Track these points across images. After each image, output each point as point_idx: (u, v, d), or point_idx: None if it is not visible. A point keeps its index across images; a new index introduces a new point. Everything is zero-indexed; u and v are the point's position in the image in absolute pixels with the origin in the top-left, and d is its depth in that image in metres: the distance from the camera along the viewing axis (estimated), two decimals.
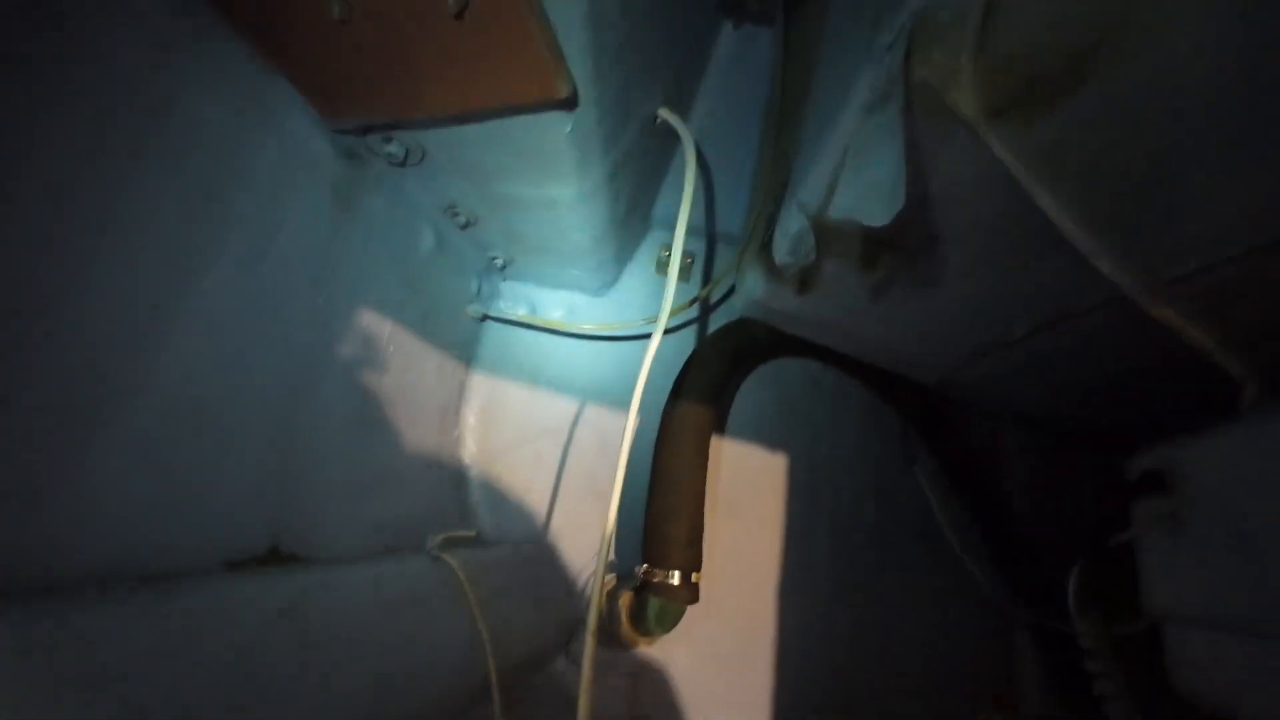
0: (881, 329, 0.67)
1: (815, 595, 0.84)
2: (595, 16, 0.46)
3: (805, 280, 0.62)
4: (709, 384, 0.79)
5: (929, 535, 0.85)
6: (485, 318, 0.88)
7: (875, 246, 0.53)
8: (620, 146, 0.63)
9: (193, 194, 0.45)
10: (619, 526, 0.60)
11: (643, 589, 0.73)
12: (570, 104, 0.52)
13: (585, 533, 0.84)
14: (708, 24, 0.83)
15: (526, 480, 0.86)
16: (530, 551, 0.81)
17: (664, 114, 0.67)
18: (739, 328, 0.83)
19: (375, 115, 0.55)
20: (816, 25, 0.67)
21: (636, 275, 0.92)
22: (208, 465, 0.47)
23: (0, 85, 0.34)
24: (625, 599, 0.75)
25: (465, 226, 0.74)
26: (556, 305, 0.90)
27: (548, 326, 0.89)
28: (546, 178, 0.62)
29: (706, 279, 0.92)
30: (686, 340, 0.90)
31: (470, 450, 0.86)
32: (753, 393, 0.89)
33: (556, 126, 0.54)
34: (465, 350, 0.87)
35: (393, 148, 0.60)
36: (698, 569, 0.73)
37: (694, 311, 0.91)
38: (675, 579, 0.71)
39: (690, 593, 0.72)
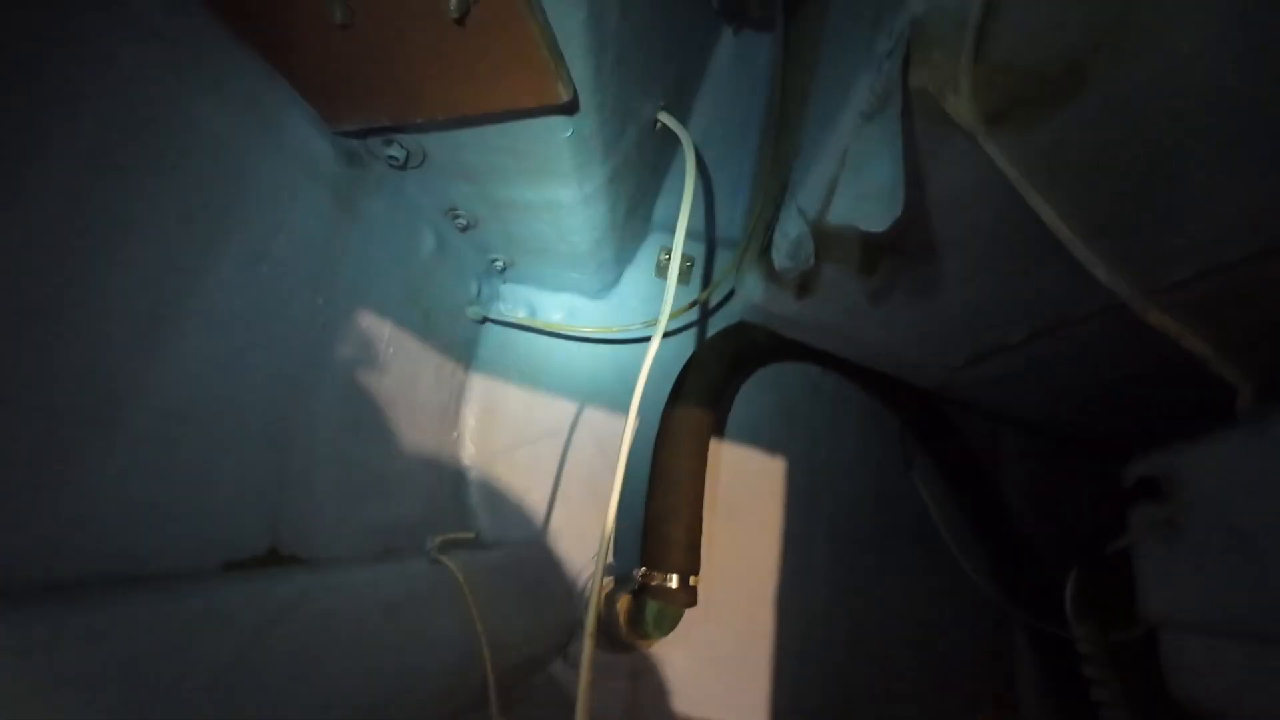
0: (881, 333, 0.67)
1: (814, 598, 0.84)
2: (595, 21, 0.47)
3: (805, 285, 0.62)
4: (708, 387, 0.79)
5: (927, 539, 0.85)
6: (485, 320, 0.88)
7: (874, 251, 0.53)
8: (620, 150, 0.64)
9: (193, 196, 0.45)
10: (617, 528, 0.60)
11: (641, 592, 0.73)
12: (571, 108, 0.52)
13: (584, 535, 0.84)
14: (707, 29, 0.84)
15: (525, 482, 0.86)
16: (529, 553, 0.81)
17: (664, 118, 0.68)
18: (738, 331, 0.83)
19: (376, 118, 0.55)
20: (816, 30, 0.68)
21: (636, 278, 0.92)
22: (208, 465, 0.47)
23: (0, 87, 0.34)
24: (623, 602, 0.75)
25: (465, 229, 0.75)
26: (556, 308, 0.90)
27: (547, 329, 0.89)
28: (547, 181, 0.62)
29: (706, 282, 0.92)
30: (685, 343, 0.90)
31: (469, 452, 0.86)
32: (752, 396, 0.90)
33: (557, 130, 0.55)
34: (465, 352, 0.87)
35: (393, 150, 0.61)
36: (696, 572, 0.73)
37: (693, 315, 0.91)
38: (674, 582, 0.71)
39: (689, 596, 0.72)
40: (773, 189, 0.73)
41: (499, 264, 0.84)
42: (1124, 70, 0.34)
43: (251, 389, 0.51)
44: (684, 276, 0.92)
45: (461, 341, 0.85)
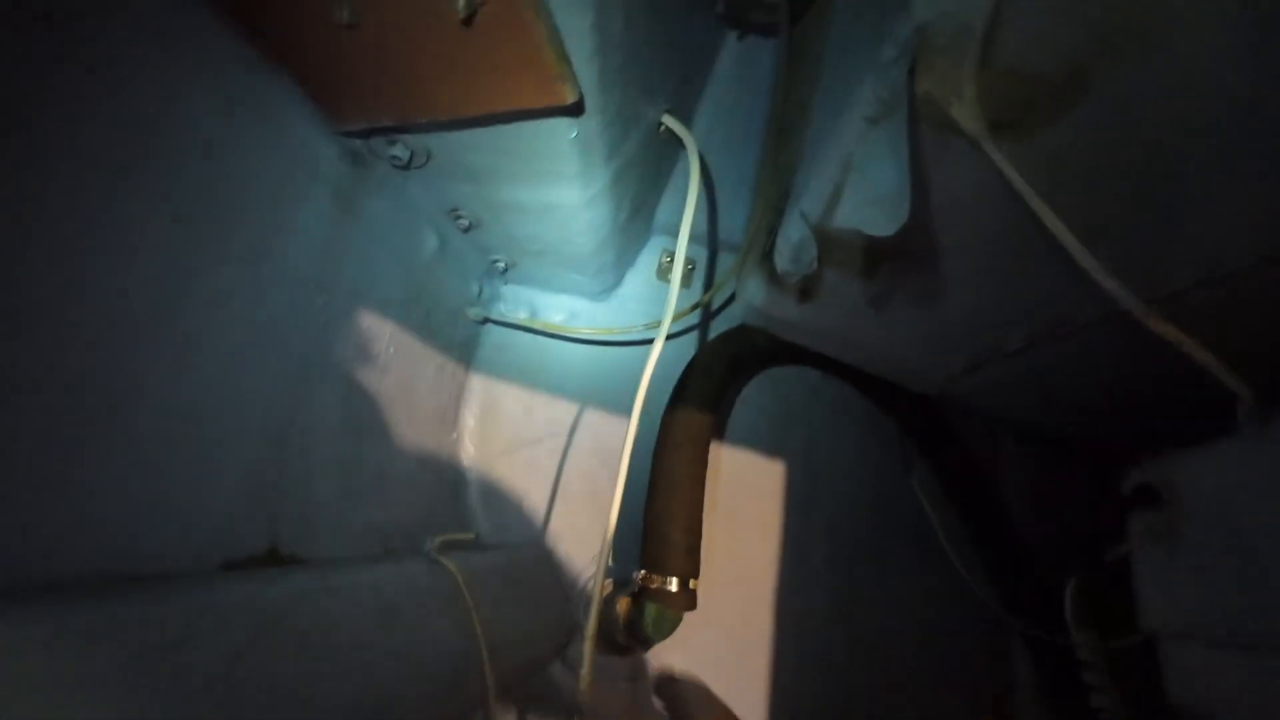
0: (882, 337, 0.68)
1: (813, 603, 0.84)
2: (602, 24, 0.47)
3: (806, 289, 0.62)
4: (709, 390, 0.79)
5: (926, 544, 0.85)
6: (486, 321, 0.88)
7: (877, 256, 0.53)
8: (624, 153, 0.64)
9: (194, 195, 0.45)
10: (617, 531, 0.60)
11: (640, 595, 0.73)
12: (576, 110, 0.52)
13: (584, 537, 0.84)
14: (711, 33, 0.84)
15: (525, 483, 0.86)
16: (528, 555, 0.81)
17: (668, 121, 0.68)
18: (739, 335, 0.83)
19: (380, 118, 0.55)
20: (820, 36, 0.68)
21: (637, 281, 0.92)
22: (207, 465, 0.47)
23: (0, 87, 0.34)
24: (622, 605, 0.75)
25: (468, 230, 0.75)
26: (557, 309, 0.90)
27: (548, 330, 0.89)
28: (550, 182, 0.62)
29: (707, 286, 0.92)
30: (686, 346, 0.90)
31: (469, 453, 0.86)
32: (752, 400, 0.90)
33: (561, 132, 0.55)
34: (465, 353, 0.87)
35: (397, 150, 0.60)
36: (696, 575, 0.73)
37: (694, 318, 0.91)
38: (673, 585, 0.71)
39: (688, 599, 0.72)
40: (775, 194, 0.73)
41: (500, 265, 0.84)
42: (1126, 74, 0.34)
43: (251, 389, 0.51)
44: (685, 280, 0.92)
45: (462, 342, 0.85)
